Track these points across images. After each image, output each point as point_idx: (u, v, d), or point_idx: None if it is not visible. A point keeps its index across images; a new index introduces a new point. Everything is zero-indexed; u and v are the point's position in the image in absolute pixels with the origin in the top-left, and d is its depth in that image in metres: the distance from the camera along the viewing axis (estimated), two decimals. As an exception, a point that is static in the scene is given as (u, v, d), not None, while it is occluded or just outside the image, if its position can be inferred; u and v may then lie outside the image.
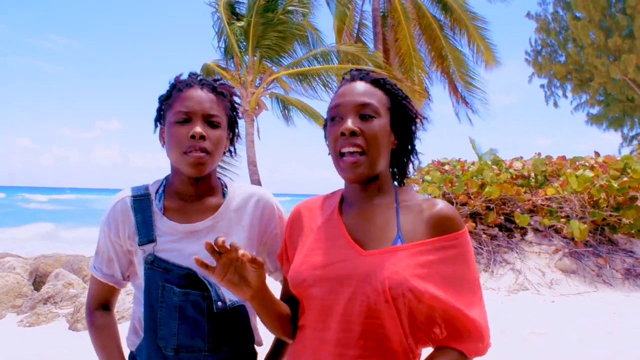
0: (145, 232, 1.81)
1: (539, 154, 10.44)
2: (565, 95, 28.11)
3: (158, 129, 1.91)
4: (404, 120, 1.66)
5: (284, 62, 17.57)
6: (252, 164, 16.85)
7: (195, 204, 1.87)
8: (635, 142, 27.93)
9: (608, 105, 27.10)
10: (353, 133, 1.54)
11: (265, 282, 1.56)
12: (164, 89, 1.89)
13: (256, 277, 1.51)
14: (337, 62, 16.82)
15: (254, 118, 16.82)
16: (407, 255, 1.48)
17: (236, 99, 1.96)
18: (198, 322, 1.75)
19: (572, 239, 8.35)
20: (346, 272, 1.51)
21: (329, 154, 1.67)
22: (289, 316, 1.70)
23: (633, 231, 8.43)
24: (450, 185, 9.26)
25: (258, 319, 1.88)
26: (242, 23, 16.70)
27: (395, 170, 1.74)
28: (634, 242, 8.57)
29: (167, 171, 1.93)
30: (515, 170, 9.93)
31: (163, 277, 1.75)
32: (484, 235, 8.77)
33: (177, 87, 1.83)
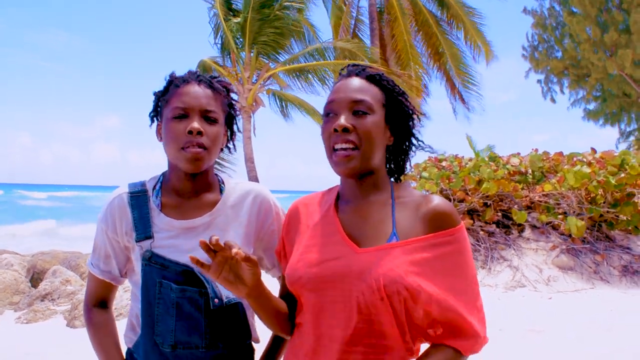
0: (143, 229, 1.80)
1: (536, 150, 10.45)
2: (562, 91, 28.13)
3: (155, 124, 1.91)
4: (400, 116, 1.65)
5: (280, 58, 17.55)
6: (249, 161, 16.84)
7: (193, 200, 1.86)
8: (632, 137, 27.97)
9: (605, 101, 27.11)
10: (345, 129, 1.54)
11: (260, 279, 1.55)
12: (162, 85, 1.89)
13: (251, 275, 1.51)
14: (333, 58, 16.81)
15: (251, 114, 16.80)
16: (402, 252, 1.48)
17: (233, 95, 1.96)
18: (195, 319, 1.75)
19: (570, 235, 8.36)
20: (341, 269, 1.51)
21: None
22: (287, 313, 1.70)
23: (630, 228, 8.45)
24: (447, 181, 9.27)
25: (255, 317, 1.88)
26: (238, 19, 16.67)
27: (392, 166, 1.73)
28: (631, 239, 8.59)
29: (165, 168, 1.93)
30: (512, 166, 9.94)
31: (160, 274, 1.75)
32: (481, 232, 8.78)
33: (174, 83, 1.82)
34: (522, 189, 9.38)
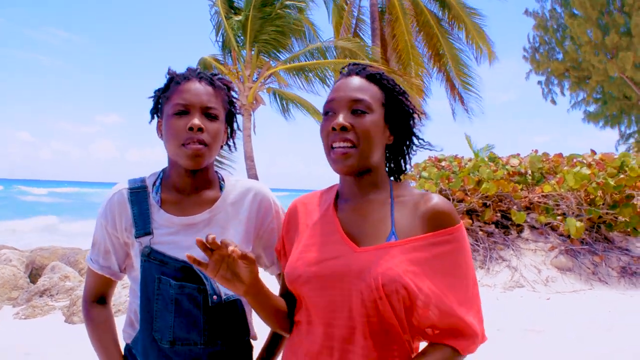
0: (142, 225, 1.81)
1: (536, 151, 10.45)
2: (563, 93, 28.13)
3: (155, 121, 1.91)
4: (400, 115, 1.65)
5: (281, 56, 17.54)
6: (249, 159, 16.84)
7: (192, 197, 1.87)
8: (632, 139, 27.97)
9: (605, 104, 27.11)
10: (344, 128, 1.54)
11: (258, 277, 1.55)
12: (162, 82, 1.89)
13: (248, 273, 1.50)
14: (334, 57, 16.79)
15: (251, 113, 16.80)
16: (401, 251, 1.48)
17: (233, 93, 1.96)
18: (194, 315, 1.75)
19: (569, 236, 8.36)
20: (340, 269, 1.51)
21: None
22: (286, 311, 1.70)
23: (629, 229, 8.44)
24: (447, 181, 9.26)
25: (253, 314, 1.88)
26: (239, 17, 16.65)
27: (392, 165, 1.74)
28: (629, 240, 8.60)
29: (165, 164, 1.93)
30: (512, 167, 9.94)
31: (159, 270, 1.76)
32: (480, 232, 8.78)
33: (175, 80, 1.83)
34: (522, 189, 9.38)
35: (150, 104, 1.92)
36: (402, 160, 1.73)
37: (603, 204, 8.38)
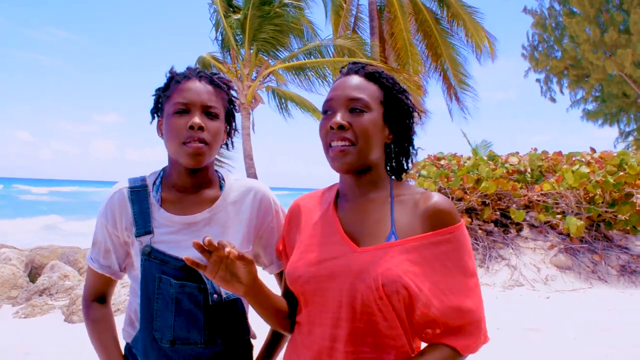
0: (143, 224, 1.80)
1: (535, 149, 10.46)
2: (562, 92, 28.10)
3: (155, 120, 1.91)
4: (399, 114, 1.64)
5: (280, 55, 17.54)
6: (248, 157, 16.82)
7: (193, 196, 1.86)
8: (631, 137, 27.97)
9: (604, 102, 27.11)
10: (341, 127, 1.54)
11: (257, 277, 1.55)
12: (161, 81, 1.89)
13: (246, 274, 1.50)
14: (332, 55, 16.79)
15: (250, 111, 16.79)
16: (400, 251, 1.47)
17: (233, 92, 1.97)
18: (194, 315, 1.75)
19: (568, 235, 8.37)
20: (340, 269, 1.51)
21: None
22: (286, 311, 1.70)
23: (628, 227, 8.45)
24: (446, 180, 9.26)
25: (251, 314, 1.89)
26: (238, 16, 16.65)
27: (393, 164, 1.73)
28: (629, 239, 8.60)
29: (165, 163, 1.93)
30: (511, 165, 9.94)
31: (160, 269, 1.75)
32: (479, 231, 8.78)
33: (175, 79, 1.83)
34: (521, 188, 9.38)
35: (149, 102, 1.92)
36: (402, 159, 1.72)
37: (602, 202, 8.39)
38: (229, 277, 1.48)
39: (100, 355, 1.89)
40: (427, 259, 1.47)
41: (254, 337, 1.95)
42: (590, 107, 28.32)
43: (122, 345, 1.92)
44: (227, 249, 1.41)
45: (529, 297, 7.18)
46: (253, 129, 16.99)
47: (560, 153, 10.05)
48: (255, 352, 1.97)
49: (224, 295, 1.77)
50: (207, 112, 1.78)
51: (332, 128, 1.55)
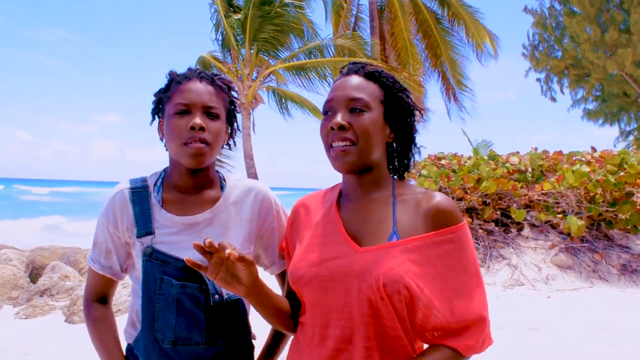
0: (144, 224, 1.80)
1: (536, 149, 10.45)
2: (562, 91, 28.07)
3: (156, 121, 1.92)
4: (400, 112, 1.64)
5: (280, 55, 17.54)
6: (248, 157, 16.83)
7: (194, 197, 1.87)
8: (631, 137, 27.95)
9: (605, 101, 27.09)
10: (342, 127, 1.54)
11: (258, 278, 1.55)
12: (161, 81, 1.90)
13: (247, 275, 1.50)
14: (333, 55, 16.79)
15: (251, 111, 16.80)
16: (402, 251, 1.47)
17: (234, 93, 1.97)
18: (195, 315, 1.75)
19: (569, 234, 8.37)
20: (341, 269, 1.51)
21: None
22: (288, 311, 1.69)
23: (629, 227, 8.45)
24: (446, 180, 9.26)
25: (252, 314, 1.89)
26: (239, 16, 16.65)
27: (395, 163, 1.72)
28: (630, 238, 8.60)
29: (166, 164, 1.94)
30: (511, 165, 9.93)
31: (161, 270, 1.75)
32: (480, 231, 8.78)
33: (176, 80, 1.83)
34: (521, 187, 9.37)
35: (150, 102, 1.92)
36: (405, 158, 1.71)
37: (603, 202, 8.38)
38: (230, 278, 1.48)
39: (101, 356, 1.89)
40: (429, 259, 1.46)
41: (254, 338, 1.95)
42: (590, 106, 28.30)
43: (124, 346, 1.93)
44: (227, 251, 1.41)
45: (530, 297, 7.17)
46: (253, 129, 17.00)
47: (560, 152, 10.04)
48: (256, 353, 1.97)
49: (225, 296, 1.77)
50: (208, 113, 1.79)
51: (332, 128, 1.55)
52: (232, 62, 16.93)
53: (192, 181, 1.85)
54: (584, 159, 9.16)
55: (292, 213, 1.81)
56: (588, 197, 8.52)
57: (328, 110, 1.61)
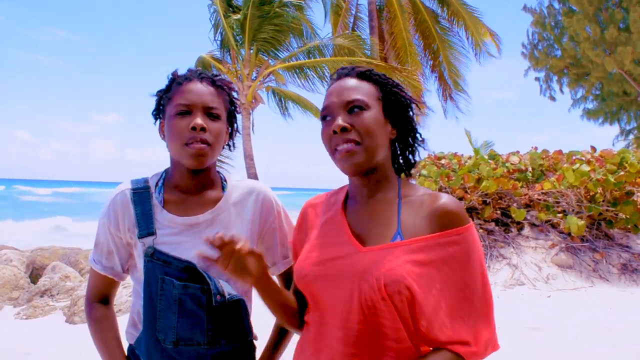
0: (145, 225, 1.81)
1: (536, 148, 10.46)
2: (561, 91, 28.05)
3: (158, 122, 1.92)
4: (398, 107, 1.63)
5: (280, 55, 17.53)
6: (248, 158, 16.82)
7: (195, 197, 1.87)
8: (631, 136, 27.94)
9: (604, 100, 27.08)
10: (344, 129, 1.53)
11: (266, 270, 1.60)
12: (161, 81, 1.91)
13: (256, 266, 1.55)
14: (332, 55, 16.78)
15: (250, 112, 16.79)
16: (404, 251, 1.45)
17: (234, 93, 1.97)
18: (197, 315, 1.75)
19: (569, 233, 8.37)
20: (344, 268, 1.50)
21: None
22: (295, 308, 1.70)
23: (629, 226, 8.45)
24: (446, 179, 9.26)
25: (254, 315, 1.89)
26: (238, 16, 16.63)
27: (400, 162, 1.70)
28: (630, 237, 8.60)
29: (167, 164, 1.94)
30: (512, 164, 9.94)
31: (162, 270, 1.75)
32: (480, 230, 8.79)
33: (177, 81, 1.83)
34: (522, 187, 9.38)
35: (150, 103, 1.92)
36: (409, 154, 1.69)
37: (603, 201, 8.39)
38: (240, 269, 1.52)
39: (102, 356, 1.89)
40: (433, 260, 1.44)
41: (256, 339, 1.95)
42: (590, 105, 28.29)
43: (125, 346, 1.93)
44: (239, 245, 1.48)
45: (530, 296, 7.18)
46: (253, 129, 16.99)
47: (560, 152, 10.05)
48: (258, 354, 1.97)
49: (227, 296, 1.76)
50: (209, 113, 1.79)
51: (335, 132, 1.54)
52: (231, 62, 16.93)
53: (193, 182, 1.86)
54: (584, 159, 9.17)
55: (301, 214, 1.81)
56: (588, 197, 8.52)
57: (327, 116, 1.60)
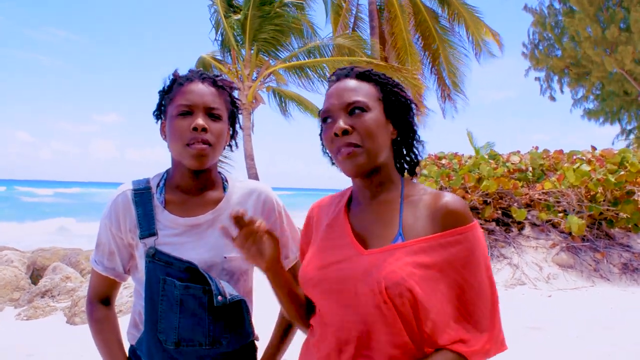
0: (147, 226, 1.81)
1: (536, 148, 10.46)
2: (562, 90, 28.03)
3: (159, 123, 1.92)
4: (399, 107, 1.61)
5: (280, 55, 17.52)
6: (249, 158, 16.81)
7: (196, 198, 1.87)
8: (632, 135, 27.91)
9: (605, 100, 27.06)
10: (345, 132, 1.51)
11: (279, 257, 1.64)
12: (162, 81, 1.90)
13: (271, 250, 1.60)
14: (333, 55, 16.78)
15: (251, 112, 16.78)
16: (406, 253, 1.43)
17: (235, 94, 1.97)
18: (199, 316, 1.75)
19: (570, 233, 8.37)
20: (346, 272, 1.49)
21: (329, 156, 1.68)
22: (304, 300, 1.70)
23: (630, 225, 8.44)
24: (447, 179, 9.26)
25: (255, 315, 1.89)
26: (239, 16, 16.62)
27: (403, 162, 1.68)
28: (631, 237, 8.60)
29: (168, 165, 1.94)
30: (512, 164, 9.94)
31: (164, 271, 1.75)
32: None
33: (178, 82, 1.83)
34: (522, 186, 9.38)
35: (150, 102, 1.93)
36: (411, 154, 1.67)
37: (604, 201, 8.39)
38: (255, 250, 1.56)
39: (104, 357, 1.89)
40: (435, 261, 1.42)
41: (257, 339, 1.95)
42: (590, 105, 28.26)
43: (127, 347, 1.93)
44: (257, 223, 1.54)
45: (531, 296, 7.18)
46: (253, 129, 16.98)
47: (561, 151, 10.05)
48: (259, 354, 1.97)
49: (228, 297, 1.76)
50: (210, 114, 1.79)
51: (336, 135, 1.52)
52: (232, 62, 16.92)
53: (194, 182, 1.86)
54: (584, 158, 9.17)
55: (307, 216, 1.80)
56: (589, 196, 8.52)
57: (327, 118, 1.59)
